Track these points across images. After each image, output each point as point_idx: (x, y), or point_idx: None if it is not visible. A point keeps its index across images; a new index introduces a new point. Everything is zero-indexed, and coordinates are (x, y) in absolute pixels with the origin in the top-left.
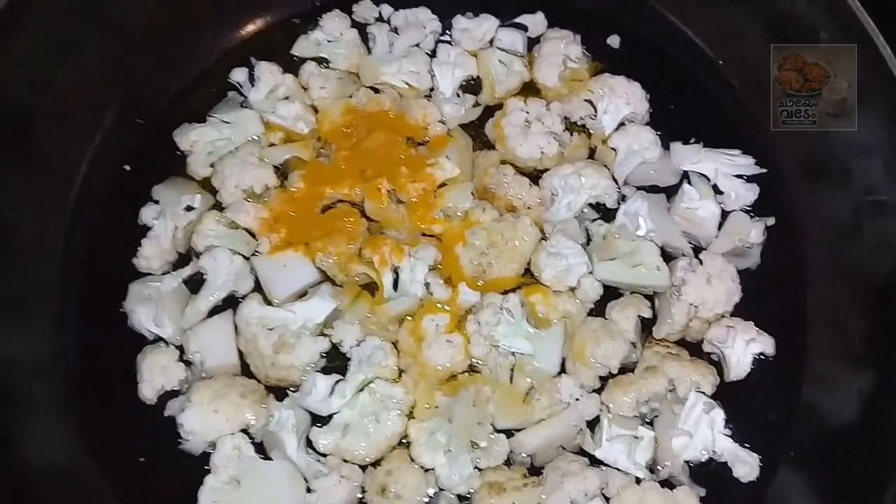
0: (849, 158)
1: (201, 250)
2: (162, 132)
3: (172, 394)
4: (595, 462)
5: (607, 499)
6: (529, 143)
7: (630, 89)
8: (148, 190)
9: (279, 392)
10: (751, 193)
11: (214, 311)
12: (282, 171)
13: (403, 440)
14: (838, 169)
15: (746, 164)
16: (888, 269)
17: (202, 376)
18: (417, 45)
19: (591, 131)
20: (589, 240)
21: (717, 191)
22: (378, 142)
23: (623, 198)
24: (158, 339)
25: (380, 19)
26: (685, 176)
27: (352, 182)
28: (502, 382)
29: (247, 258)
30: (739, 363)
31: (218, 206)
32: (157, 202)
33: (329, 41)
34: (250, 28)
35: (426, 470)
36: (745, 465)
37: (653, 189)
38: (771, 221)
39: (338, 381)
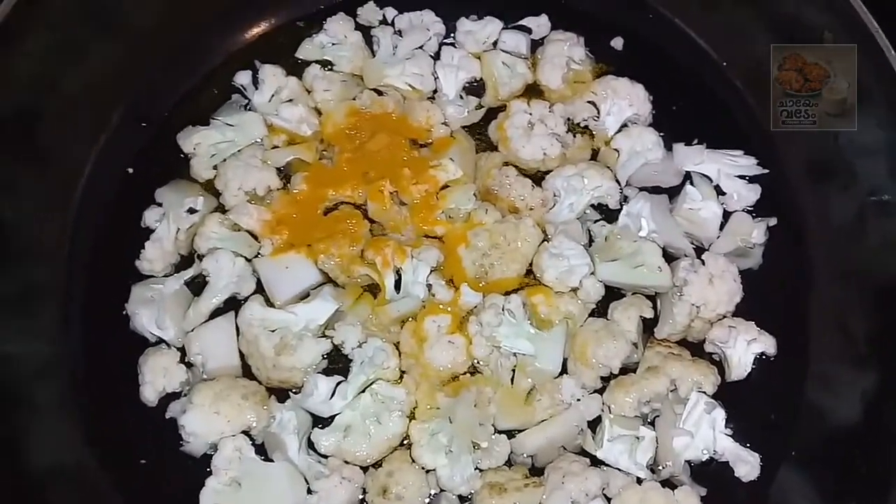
0: (852, 159)
1: (204, 252)
2: (165, 135)
3: (174, 396)
4: (596, 462)
5: (608, 499)
6: (532, 145)
7: (633, 91)
8: (151, 192)
9: (281, 394)
10: (753, 194)
11: (216, 312)
12: (285, 174)
13: (405, 441)
14: (841, 169)
15: (748, 164)
16: (892, 270)
17: (203, 378)
18: (421, 48)
19: (593, 133)
20: (591, 241)
21: (719, 191)
22: (381, 144)
23: (625, 199)
24: (160, 341)
25: (384, 22)
26: (688, 177)
27: (354, 184)
28: (504, 383)
29: (249, 260)
30: (741, 363)
31: (221, 209)
32: (160, 204)
33: (333, 44)
34: (254, 31)
35: (427, 471)
36: (747, 465)
37: (655, 190)
38: (773, 222)
39: (339, 383)
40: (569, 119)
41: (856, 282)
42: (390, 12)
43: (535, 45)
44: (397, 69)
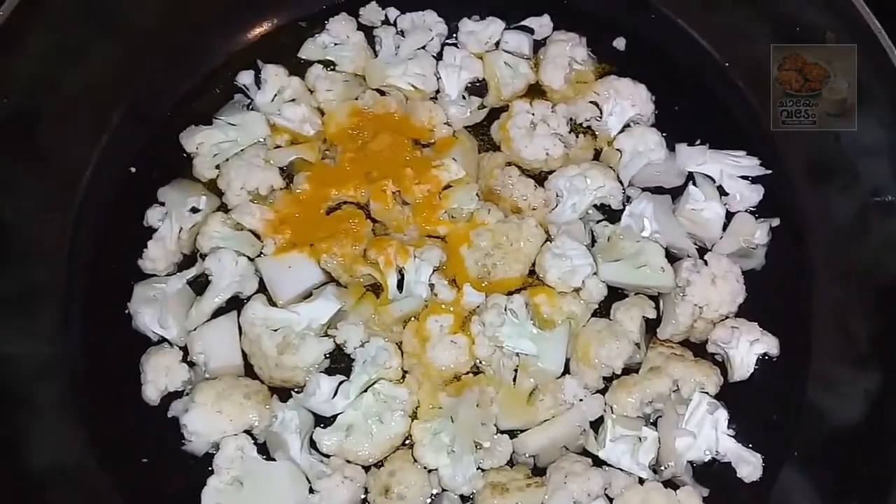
0: (854, 159)
1: (206, 252)
2: (168, 134)
3: (176, 394)
4: (598, 462)
5: (610, 499)
6: (535, 145)
7: (635, 91)
8: (153, 192)
9: (283, 393)
10: (756, 194)
11: (219, 312)
12: (287, 173)
13: (407, 441)
14: (843, 170)
15: (751, 165)
16: (894, 270)
17: (206, 377)
18: (423, 48)
19: (596, 133)
20: (594, 241)
21: (722, 192)
22: (384, 144)
23: (628, 199)
24: (163, 340)
25: (386, 22)
26: (690, 177)
27: (357, 184)
28: (506, 383)
29: (252, 259)
30: (743, 363)
31: (223, 208)
32: (162, 204)
33: (335, 44)
34: (257, 31)
35: (429, 470)
36: (749, 466)
37: (658, 190)
38: (776, 222)
39: (342, 382)
40: (571, 119)
41: (858, 282)
42: (392, 12)
43: (538, 45)
44: (400, 69)
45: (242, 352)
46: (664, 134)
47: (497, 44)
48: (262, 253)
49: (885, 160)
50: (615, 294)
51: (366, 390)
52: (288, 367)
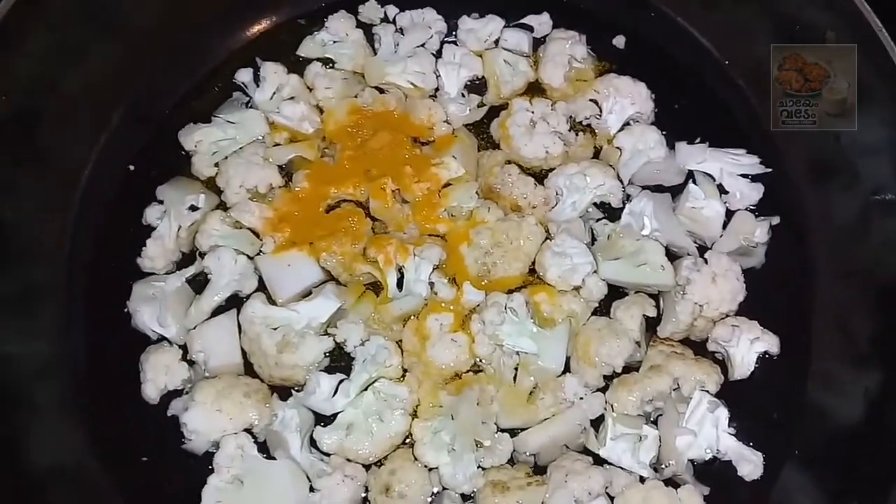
0: (855, 158)
1: (205, 250)
2: (167, 132)
3: (176, 393)
4: (599, 461)
5: (611, 498)
6: (534, 143)
7: (635, 89)
8: (152, 190)
9: (283, 391)
10: (756, 193)
11: (218, 310)
12: (286, 171)
13: (407, 439)
14: (845, 168)
15: (751, 163)
16: (894, 269)
17: (206, 376)
18: (423, 46)
19: (596, 131)
20: (594, 239)
21: (722, 190)
22: (383, 142)
23: (628, 197)
24: (162, 338)
25: (385, 20)
26: (690, 175)
27: (356, 182)
28: (506, 382)
29: (251, 258)
30: (744, 362)
31: (222, 206)
32: (161, 202)
33: (334, 42)
34: (256, 29)
35: (430, 469)
36: (750, 464)
37: (658, 188)
38: (776, 221)
39: (342, 381)
40: (571, 117)
41: (858, 281)
42: (392, 10)
43: (537, 43)
44: (399, 67)
45: (242, 350)
46: (664, 132)
47: (496, 42)
48: (261, 251)
49: (885, 159)
50: (615, 292)
51: (366, 389)
52: (288, 365)
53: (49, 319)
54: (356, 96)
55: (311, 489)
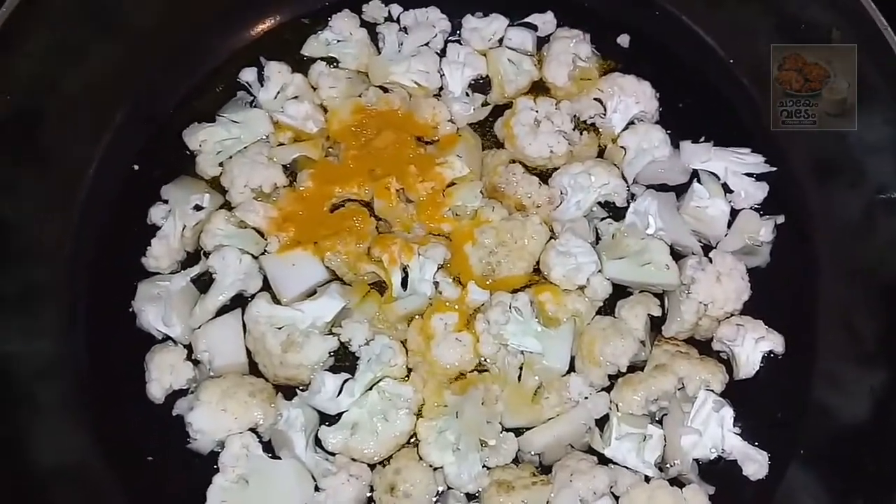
0: (860, 157)
1: (210, 249)
2: (171, 132)
3: (181, 393)
4: (604, 460)
5: (616, 497)
6: (539, 142)
7: (640, 88)
8: (157, 189)
9: (288, 391)
10: (760, 192)
11: (223, 310)
12: (291, 171)
13: (412, 439)
14: (849, 167)
15: (756, 162)
16: None
17: (210, 375)
18: (427, 45)
19: (600, 130)
20: (598, 238)
21: (726, 189)
22: (387, 141)
23: (632, 196)
24: (167, 338)
25: (389, 19)
26: (695, 174)
27: (361, 181)
28: (511, 381)
29: (255, 257)
30: (749, 361)
31: (227, 206)
32: (165, 202)
33: (338, 41)
34: (260, 28)
35: (435, 468)
36: (755, 464)
37: (662, 188)
38: (781, 220)
39: (346, 380)
40: (575, 116)
41: (863, 280)
42: (395, 9)
43: (541, 42)
44: (403, 66)
45: (247, 350)
46: (668, 131)
47: (501, 40)
48: (265, 251)
49: (890, 158)
50: (620, 292)
51: (371, 388)
52: (292, 365)
53: (53, 319)
54: (360, 95)
55: (317, 488)
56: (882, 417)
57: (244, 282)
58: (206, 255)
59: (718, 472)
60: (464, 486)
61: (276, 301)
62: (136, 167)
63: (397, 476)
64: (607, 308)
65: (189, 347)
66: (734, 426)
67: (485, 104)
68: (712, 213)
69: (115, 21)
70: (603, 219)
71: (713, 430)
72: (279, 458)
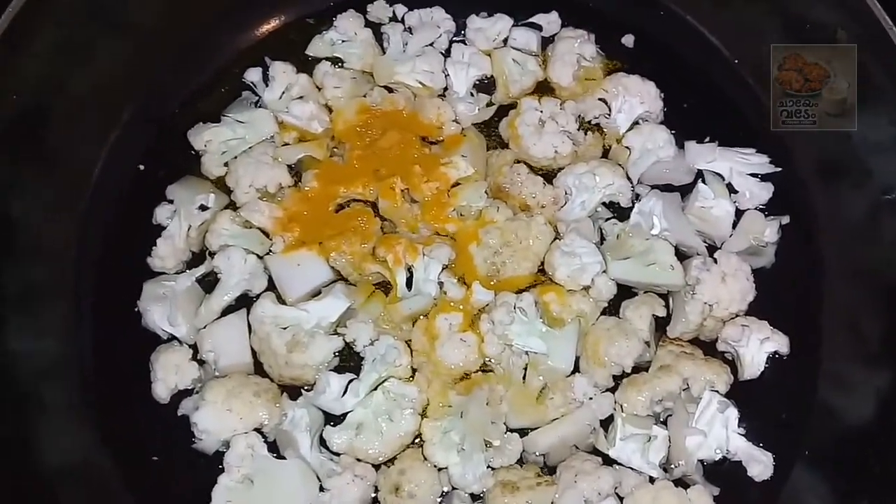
0: (865, 157)
1: (215, 249)
2: (176, 132)
3: (186, 393)
4: (608, 461)
5: (621, 498)
6: (543, 143)
7: (644, 88)
8: (162, 189)
9: (293, 391)
10: (765, 192)
11: (228, 310)
12: (296, 171)
13: (417, 439)
14: (854, 167)
15: (761, 162)
16: None
17: (216, 375)
18: (431, 45)
19: (605, 130)
20: (603, 239)
21: (731, 189)
22: (392, 141)
23: (637, 197)
24: (172, 338)
25: (394, 19)
26: (699, 175)
27: (365, 181)
28: (516, 381)
29: (261, 257)
30: (754, 362)
31: (232, 206)
32: (171, 202)
33: (343, 41)
34: (265, 28)
35: (439, 469)
36: (760, 465)
37: (667, 188)
38: (786, 220)
39: (351, 380)
40: (580, 117)
41: (869, 280)
42: (400, 9)
43: (546, 42)
44: (408, 66)
45: (252, 350)
46: (673, 131)
47: (505, 41)
48: (270, 251)
49: (895, 158)
50: (625, 292)
51: (375, 388)
52: (297, 365)
53: (58, 318)
54: (365, 96)
55: (321, 489)
56: (887, 418)
57: (249, 282)
58: (212, 255)
59: (723, 472)
60: (468, 486)
61: (281, 301)
62: (141, 167)
63: (402, 476)
64: (612, 308)
65: (194, 347)
66: (739, 427)
67: (489, 104)
68: (717, 214)
69: (121, 21)
70: (608, 219)
71: (718, 431)
72: (284, 458)
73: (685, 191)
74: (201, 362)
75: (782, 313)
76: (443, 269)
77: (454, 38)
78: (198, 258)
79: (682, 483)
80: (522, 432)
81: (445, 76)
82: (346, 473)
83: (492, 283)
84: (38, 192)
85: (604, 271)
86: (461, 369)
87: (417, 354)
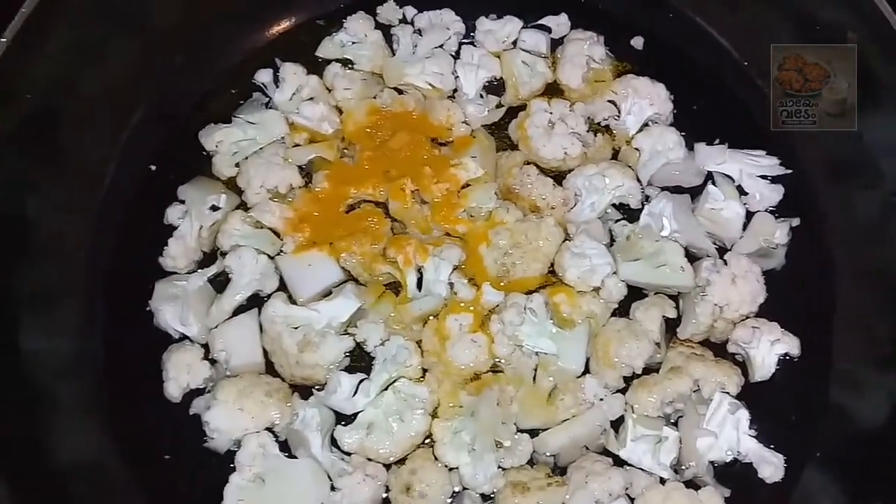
0: (875, 158)
1: (227, 249)
2: (187, 133)
3: (198, 392)
4: (619, 462)
5: (632, 499)
6: (553, 144)
7: (654, 90)
8: (174, 190)
9: (304, 391)
10: (775, 194)
11: (239, 309)
12: (306, 172)
13: (427, 439)
14: (864, 169)
15: (771, 164)
16: None
17: (227, 375)
18: (441, 47)
19: (614, 132)
20: (613, 240)
21: (741, 191)
22: (402, 142)
23: (647, 198)
24: (184, 337)
25: (404, 21)
26: (709, 176)
27: (376, 182)
28: (526, 382)
29: (272, 257)
30: (764, 364)
31: (243, 206)
32: (182, 202)
33: (353, 42)
34: (275, 29)
35: (450, 469)
36: (771, 466)
37: (677, 190)
38: (796, 222)
39: (362, 380)
40: (589, 118)
41: (880, 281)
42: (410, 11)
43: (555, 44)
44: (417, 68)
45: (263, 350)
46: (683, 133)
47: (514, 42)
48: (281, 251)
49: None
50: (635, 293)
51: (386, 388)
52: (308, 364)
53: (71, 317)
54: (375, 97)
55: (332, 488)
56: None
57: (260, 282)
58: (223, 255)
59: (734, 474)
60: (479, 486)
61: (292, 301)
62: (152, 168)
63: (413, 476)
64: (622, 310)
65: (206, 347)
66: (750, 428)
67: (499, 106)
68: (727, 216)
69: (133, 22)
70: (617, 220)
71: (729, 433)
72: (295, 457)
73: (695, 192)
74: (213, 362)
75: (793, 315)
76: (453, 269)
77: (464, 40)
78: (209, 258)
79: (692, 484)
80: (533, 433)
81: (455, 78)
82: (357, 473)
83: (502, 283)
84: (51, 193)
85: (614, 273)
86: (471, 370)
87: (428, 355)
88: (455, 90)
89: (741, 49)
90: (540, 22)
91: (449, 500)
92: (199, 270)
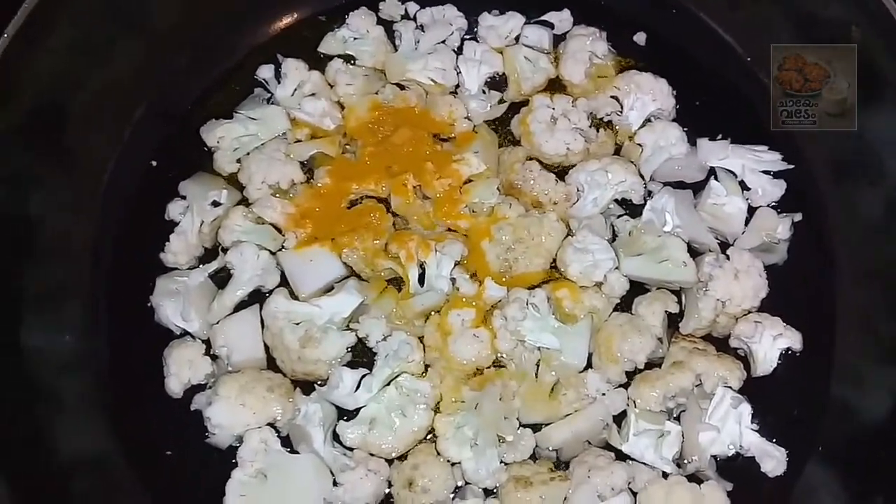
0: (878, 154)
1: (228, 245)
2: (189, 128)
3: (199, 388)
4: (622, 457)
5: (634, 493)
6: (555, 140)
7: (656, 86)
8: (175, 186)
9: (306, 386)
10: (778, 189)
11: (241, 305)
12: (308, 167)
13: (430, 434)
14: (867, 165)
15: (773, 159)
16: None
17: (229, 370)
18: (443, 42)
19: (617, 127)
20: (615, 235)
21: (744, 187)
22: (404, 138)
23: (649, 194)
24: (185, 333)
25: (406, 16)
26: (712, 172)
27: (378, 178)
28: (528, 377)
29: (273, 253)
30: (767, 358)
31: (244, 202)
32: (184, 198)
33: (355, 38)
34: (277, 25)
35: (453, 464)
36: (773, 460)
37: (679, 185)
38: (798, 217)
39: (364, 376)
40: (592, 114)
41: (882, 277)
42: (412, 7)
43: (558, 39)
44: (419, 64)
45: (265, 345)
46: (685, 128)
47: (517, 38)
48: (283, 247)
49: None
50: (637, 288)
51: (388, 384)
52: (310, 360)
53: (73, 314)
54: (377, 93)
55: (335, 483)
56: None
57: (262, 277)
58: (224, 250)
59: (736, 468)
60: (482, 481)
61: (294, 297)
62: (154, 163)
63: (415, 471)
64: (624, 305)
65: (207, 342)
66: (752, 423)
67: (501, 102)
68: (729, 211)
69: (135, 18)
70: (620, 216)
71: (731, 427)
72: (297, 452)
73: (697, 188)
74: (214, 357)
75: (795, 310)
76: (455, 265)
77: (466, 36)
78: (210, 254)
79: (695, 478)
80: (535, 428)
81: (457, 73)
82: (360, 468)
83: (504, 279)
84: (54, 190)
85: (616, 268)
86: (474, 365)
87: (430, 350)
88: (457, 86)
89: (744, 45)
90: (543, 18)
91: (451, 495)
92: (201, 266)
